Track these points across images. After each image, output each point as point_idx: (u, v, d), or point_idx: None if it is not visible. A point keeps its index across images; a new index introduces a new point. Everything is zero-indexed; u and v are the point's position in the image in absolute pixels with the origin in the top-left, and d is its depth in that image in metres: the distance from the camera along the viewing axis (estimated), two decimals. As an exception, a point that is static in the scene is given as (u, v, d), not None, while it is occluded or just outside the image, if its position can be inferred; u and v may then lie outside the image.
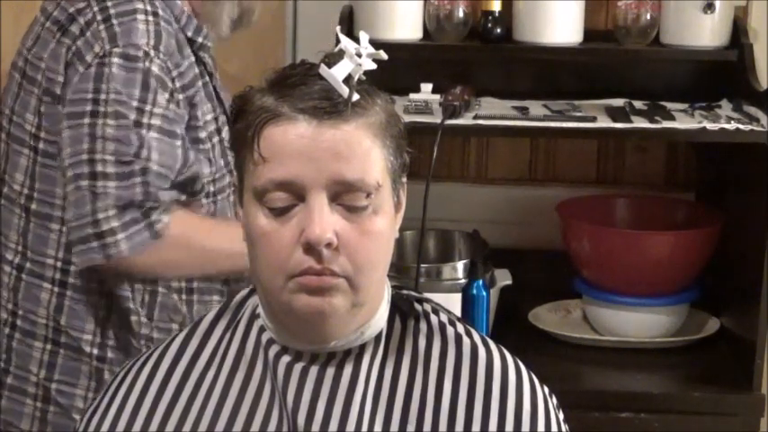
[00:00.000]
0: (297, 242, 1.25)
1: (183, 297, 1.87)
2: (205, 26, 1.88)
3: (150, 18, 1.76)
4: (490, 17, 2.48)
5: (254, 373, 1.35)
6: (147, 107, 1.73)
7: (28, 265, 1.84)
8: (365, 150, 1.25)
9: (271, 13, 2.71)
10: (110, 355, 1.85)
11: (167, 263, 1.80)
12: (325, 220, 1.24)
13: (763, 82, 2.46)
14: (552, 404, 1.37)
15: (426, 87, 2.44)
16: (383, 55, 1.29)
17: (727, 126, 2.23)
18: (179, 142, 1.76)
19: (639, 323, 2.43)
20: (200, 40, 1.86)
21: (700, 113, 2.32)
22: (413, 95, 2.41)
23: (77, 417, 1.83)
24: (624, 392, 2.30)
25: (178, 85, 1.79)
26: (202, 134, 1.83)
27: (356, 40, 1.28)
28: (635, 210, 2.61)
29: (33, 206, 1.83)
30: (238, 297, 1.43)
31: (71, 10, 1.80)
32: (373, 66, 1.27)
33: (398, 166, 1.31)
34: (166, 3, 1.82)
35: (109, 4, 1.77)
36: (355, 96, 1.25)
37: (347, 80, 1.25)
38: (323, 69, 1.25)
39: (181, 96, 1.79)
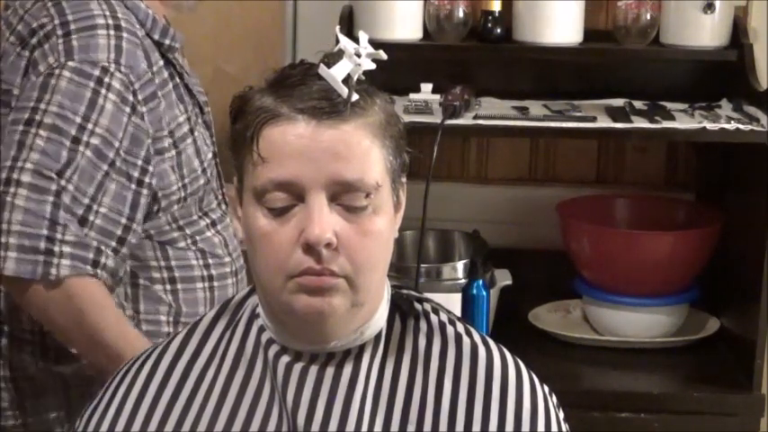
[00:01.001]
0: (296, 242, 1.25)
1: (168, 287, 1.85)
2: (172, 27, 1.85)
3: (112, 32, 1.73)
4: (490, 17, 2.48)
5: (254, 373, 1.35)
6: (89, 125, 1.69)
7: None
8: (364, 150, 1.25)
9: (271, 13, 2.72)
10: None
11: (39, 308, 1.71)
12: (325, 221, 1.24)
13: (763, 82, 2.46)
14: (552, 403, 1.37)
15: (426, 87, 2.44)
16: (382, 55, 1.29)
17: (727, 126, 2.23)
18: (105, 167, 1.70)
19: (639, 323, 2.43)
20: (167, 42, 1.82)
21: (700, 113, 2.32)
22: (413, 95, 2.41)
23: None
24: (624, 392, 2.31)
25: (141, 97, 1.75)
26: (166, 143, 1.80)
27: (356, 40, 1.29)
28: (635, 210, 2.61)
29: None
30: (238, 297, 1.43)
31: (34, 25, 1.77)
32: (372, 66, 1.27)
33: (398, 165, 1.31)
34: (130, 8, 1.78)
35: (70, 18, 1.74)
36: (354, 96, 1.25)
37: (346, 80, 1.25)
38: (322, 69, 1.25)
39: (144, 109, 1.75)
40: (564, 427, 1.37)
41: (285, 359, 1.33)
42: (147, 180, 1.76)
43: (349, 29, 2.43)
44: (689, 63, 2.58)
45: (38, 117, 1.68)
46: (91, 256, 1.70)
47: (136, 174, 1.75)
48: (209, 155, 1.90)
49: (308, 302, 1.26)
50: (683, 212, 2.57)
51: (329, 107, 1.24)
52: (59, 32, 1.73)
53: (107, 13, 1.74)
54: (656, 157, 2.73)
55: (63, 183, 1.67)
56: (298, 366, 1.32)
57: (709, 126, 2.24)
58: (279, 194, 1.25)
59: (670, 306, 2.44)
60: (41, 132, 1.68)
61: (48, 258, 1.67)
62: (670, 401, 2.29)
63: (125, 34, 1.74)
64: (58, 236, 1.67)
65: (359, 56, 1.26)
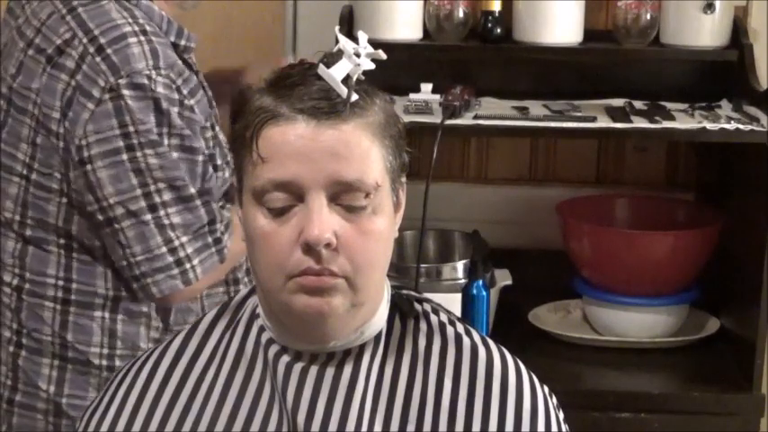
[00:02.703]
0: (296, 242, 1.25)
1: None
2: (182, 26, 1.85)
3: (142, 38, 1.73)
4: (490, 17, 2.48)
5: (254, 373, 1.35)
6: (165, 129, 1.73)
7: (27, 286, 1.84)
8: (364, 150, 1.25)
9: (271, 13, 2.72)
10: (118, 363, 1.84)
11: (219, 277, 1.87)
12: (324, 221, 1.24)
13: (763, 82, 2.47)
14: (552, 404, 1.37)
15: (426, 87, 2.44)
16: (382, 55, 1.29)
17: (727, 126, 2.23)
18: (200, 157, 1.77)
19: (639, 323, 2.43)
20: (183, 42, 1.83)
21: (700, 113, 2.32)
22: (413, 95, 2.41)
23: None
24: (624, 392, 2.31)
25: (185, 92, 1.77)
26: (209, 134, 1.83)
27: (356, 40, 1.28)
28: (635, 210, 2.61)
29: (28, 232, 1.82)
30: (238, 297, 1.43)
31: (57, 42, 1.76)
32: (372, 66, 1.27)
33: (397, 165, 1.31)
34: (145, 12, 1.79)
35: (96, 32, 1.73)
36: (354, 96, 1.25)
37: (346, 80, 1.25)
38: (321, 69, 1.25)
39: (192, 101, 1.78)
40: (564, 427, 1.37)
41: (285, 359, 1.33)
42: (217, 162, 1.83)
43: (349, 29, 2.43)
44: (689, 63, 2.58)
45: (134, 140, 1.72)
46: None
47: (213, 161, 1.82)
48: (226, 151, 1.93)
49: (308, 302, 1.26)
50: (683, 212, 2.57)
51: (329, 107, 1.24)
52: (91, 50, 1.73)
53: (130, 20, 1.75)
54: (656, 157, 2.73)
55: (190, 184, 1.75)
56: (298, 366, 1.32)
57: (709, 126, 2.24)
58: (278, 194, 1.25)
59: (670, 306, 2.44)
60: (147, 151, 1.72)
61: (219, 247, 1.80)
62: (670, 401, 2.29)
63: (153, 37, 1.75)
64: (218, 230, 1.80)
65: (358, 56, 1.26)
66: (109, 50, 1.72)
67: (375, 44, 1.28)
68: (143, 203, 1.73)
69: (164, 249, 1.75)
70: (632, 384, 2.35)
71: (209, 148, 1.81)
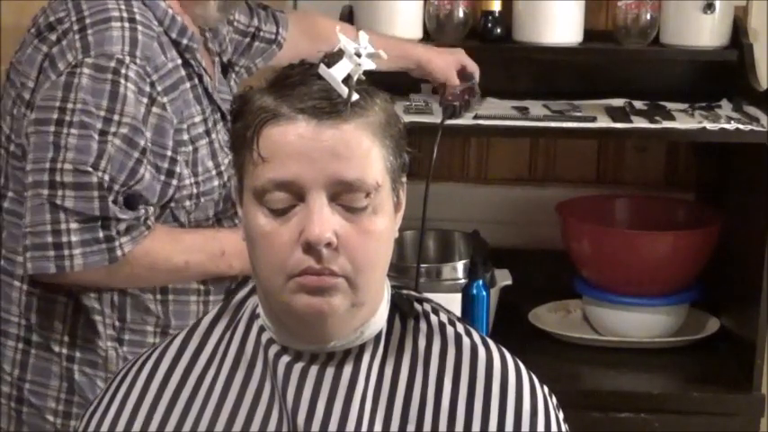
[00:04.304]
0: (296, 242, 1.25)
1: (158, 297, 1.85)
2: (191, 25, 1.85)
3: (126, 24, 1.74)
4: (490, 17, 2.49)
5: (254, 373, 1.35)
6: (115, 117, 1.72)
7: (2, 262, 1.85)
8: (364, 150, 1.25)
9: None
10: (78, 354, 1.84)
11: (122, 280, 1.80)
12: (325, 220, 1.24)
13: (763, 82, 2.47)
14: (552, 404, 1.37)
15: (426, 87, 2.44)
16: (383, 55, 1.29)
17: (727, 126, 2.23)
18: (136, 154, 1.74)
19: (639, 323, 2.43)
20: (184, 41, 1.83)
21: (700, 113, 2.32)
22: (413, 95, 2.41)
23: (50, 417, 1.85)
24: (624, 392, 2.31)
25: (160, 88, 1.76)
26: (185, 136, 1.81)
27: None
28: (635, 210, 2.61)
29: (6, 204, 1.84)
30: (238, 297, 1.43)
31: (51, 18, 1.79)
32: (373, 66, 1.27)
33: (398, 165, 1.31)
34: (148, 6, 1.79)
35: (86, 13, 1.76)
36: (355, 96, 1.25)
37: (346, 80, 1.25)
38: (322, 69, 1.25)
39: (165, 99, 1.77)
40: (564, 427, 1.37)
41: (285, 359, 1.33)
42: (177, 170, 1.79)
43: (349, 29, 2.43)
44: (689, 63, 2.58)
45: (67, 117, 1.71)
46: (142, 223, 1.76)
47: (165, 165, 1.78)
48: (227, 160, 1.88)
49: (308, 302, 1.26)
50: (683, 212, 2.57)
51: (329, 107, 1.24)
52: (75, 28, 1.75)
53: (122, 7, 1.76)
54: (656, 157, 2.73)
55: (100, 173, 1.71)
56: (298, 366, 1.32)
57: (710, 126, 2.24)
58: (279, 194, 1.25)
59: (670, 306, 2.44)
60: (72, 131, 1.71)
61: (110, 245, 1.73)
62: (670, 401, 2.29)
63: (139, 27, 1.75)
64: (113, 228, 1.73)
65: (359, 56, 1.26)
66: (89, 30, 1.74)
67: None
68: (46, 178, 1.71)
69: (47, 228, 1.71)
70: (632, 384, 2.35)
71: (177, 151, 1.79)
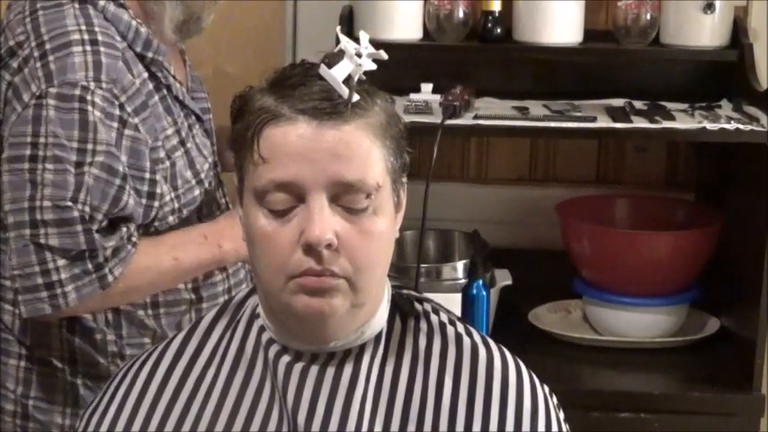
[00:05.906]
0: (297, 243, 1.25)
1: (150, 312, 1.84)
2: (152, 35, 1.80)
3: (88, 48, 1.70)
4: (490, 17, 2.48)
5: (254, 373, 1.35)
6: (89, 146, 1.68)
7: None
8: (365, 151, 1.25)
9: (271, 13, 2.72)
10: (81, 369, 1.83)
11: (119, 298, 1.78)
12: (325, 221, 1.24)
13: (763, 82, 2.46)
14: (552, 404, 1.37)
15: (426, 87, 2.44)
16: (383, 55, 1.29)
17: (727, 126, 2.23)
18: (118, 181, 1.71)
19: (639, 323, 2.43)
20: (149, 55, 1.78)
21: (700, 113, 2.32)
22: (413, 95, 2.41)
23: None
24: (624, 392, 2.30)
25: (130, 109, 1.72)
26: (161, 153, 1.78)
27: (356, 40, 1.28)
28: (635, 210, 2.61)
29: None
30: (238, 297, 1.43)
31: (11, 43, 1.75)
32: (373, 66, 1.27)
33: (398, 166, 1.31)
34: (111, 20, 1.75)
35: (45, 38, 1.71)
36: (355, 97, 1.25)
37: (347, 80, 1.25)
38: (323, 70, 1.25)
39: (137, 120, 1.73)
40: (564, 427, 1.37)
41: (285, 359, 1.33)
42: (158, 191, 1.77)
43: (349, 29, 2.42)
44: (689, 63, 2.58)
45: (40, 152, 1.67)
46: (127, 242, 1.74)
47: (145, 188, 1.75)
48: (206, 165, 1.87)
49: (309, 303, 1.26)
50: (683, 212, 2.57)
51: (330, 108, 1.24)
52: (36, 54, 1.70)
53: (83, 28, 1.71)
54: (656, 157, 2.73)
55: (80, 206, 1.68)
56: (298, 366, 1.32)
57: (709, 126, 2.24)
58: (280, 195, 1.25)
59: (670, 306, 2.44)
60: (47, 166, 1.67)
61: (100, 273, 1.71)
62: (670, 401, 2.29)
63: (102, 48, 1.71)
64: (100, 256, 1.70)
65: (359, 56, 1.26)
66: (50, 57, 1.69)
67: (375, 44, 1.28)
68: (27, 217, 1.68)
69: (36, 269, 1.68)
70: (632, 384, 2.34)
71: (155, 171, 1.76)
